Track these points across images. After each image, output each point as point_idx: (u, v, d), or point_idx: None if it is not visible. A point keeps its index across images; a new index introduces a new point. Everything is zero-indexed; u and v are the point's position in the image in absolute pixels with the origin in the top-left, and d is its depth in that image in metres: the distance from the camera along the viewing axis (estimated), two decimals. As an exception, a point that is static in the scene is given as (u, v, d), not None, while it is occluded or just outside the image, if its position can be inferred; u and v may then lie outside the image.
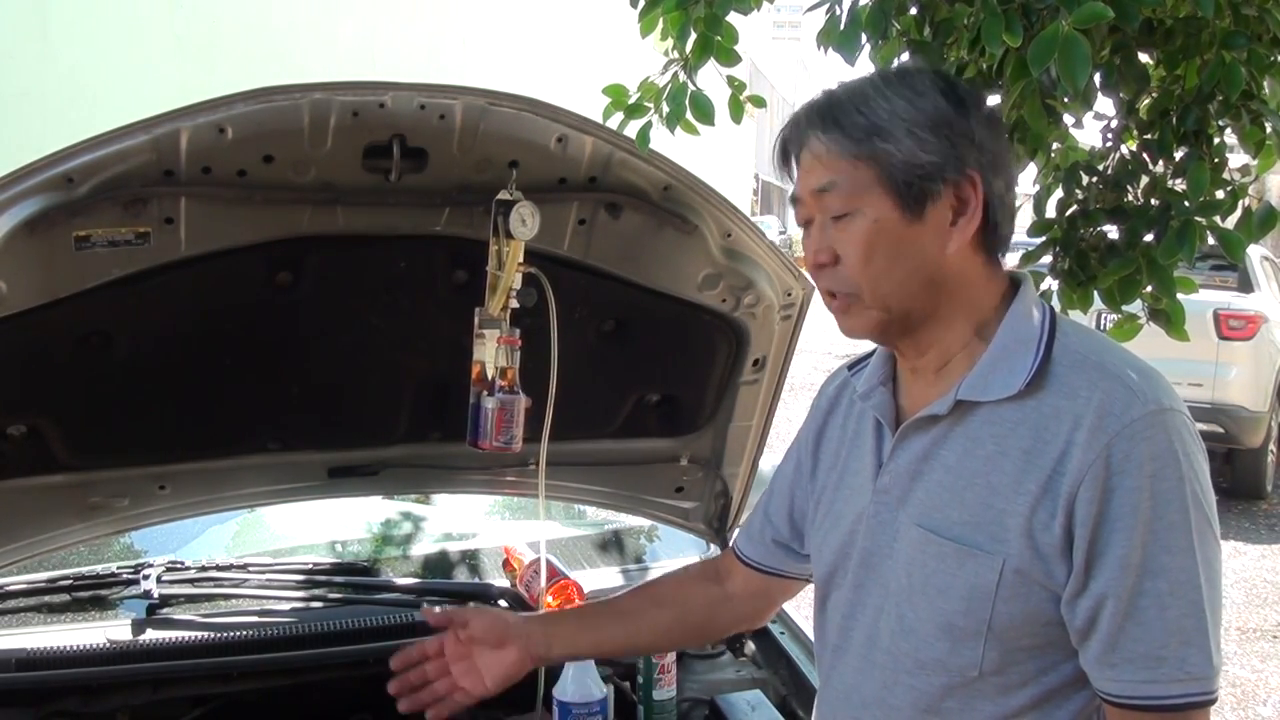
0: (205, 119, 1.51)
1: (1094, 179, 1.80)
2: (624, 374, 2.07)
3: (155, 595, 2.01)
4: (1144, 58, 1.70)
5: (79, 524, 1.92)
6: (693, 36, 1.64)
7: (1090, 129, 1.82)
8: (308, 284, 1.77)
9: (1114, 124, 1.80)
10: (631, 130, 1.70)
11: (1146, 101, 1.76)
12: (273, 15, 9.29)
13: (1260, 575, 5.84)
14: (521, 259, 1.72)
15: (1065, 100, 1.57)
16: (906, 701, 1.19)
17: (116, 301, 1.64)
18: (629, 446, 2.16)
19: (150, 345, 1.75)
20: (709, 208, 1.85)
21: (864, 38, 1.60)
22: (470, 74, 11.10)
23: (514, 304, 1.74)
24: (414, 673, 1.49)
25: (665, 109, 1.69)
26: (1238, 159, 1.79)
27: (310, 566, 2.22)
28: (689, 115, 1.69)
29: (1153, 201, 1.75)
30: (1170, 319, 1.81)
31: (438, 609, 1.53)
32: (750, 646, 2.20)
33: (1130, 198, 1.77)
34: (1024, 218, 1.94)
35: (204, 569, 2.13)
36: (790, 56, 48.84)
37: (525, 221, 1.69)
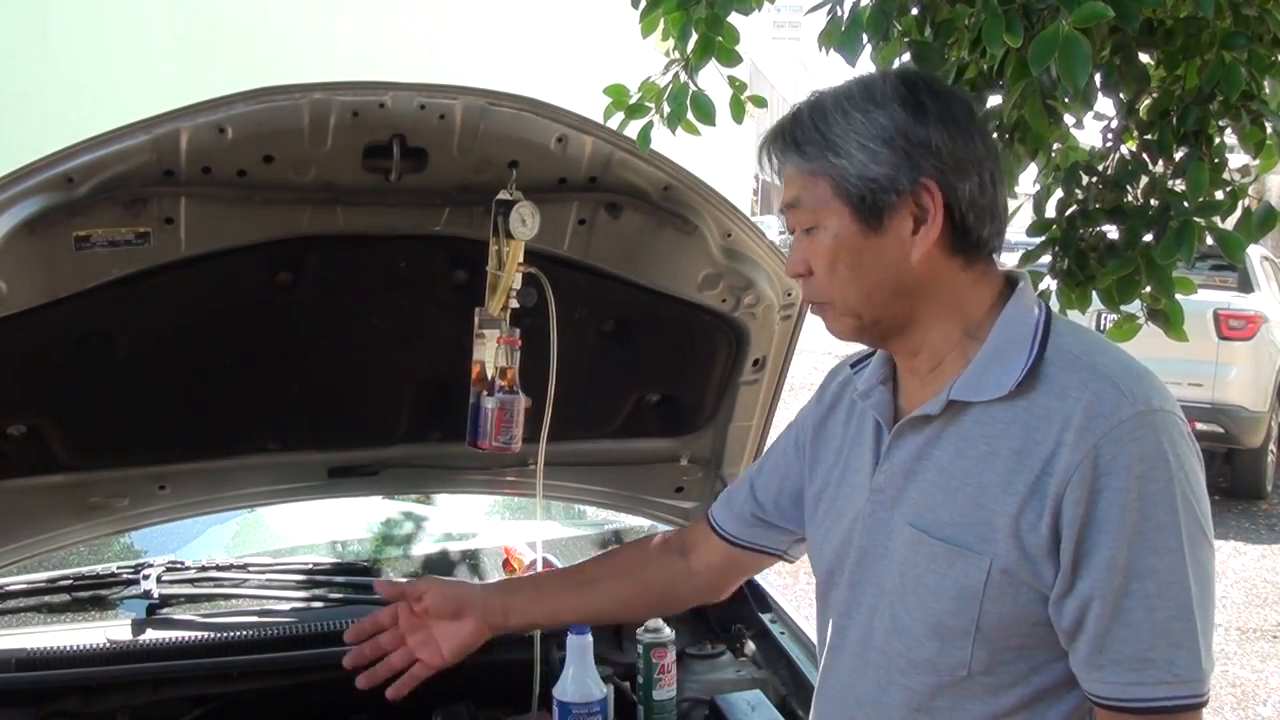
0: (205, 119, 1.51)
1: (1094, 179, 1.80)
2: (624, 374, 2.07)
3: (155, 595, 2.02)
4: (1144, 58, 1.70)
5: (79, 524, 1.92)
6: (694, 37, 1.64)
7: (1090, 129, 1.82)
8: (308, 284, 1.77)
9: (1114, 124, 1.80)
10: (632, 130, 1.71)
11: (1147, 102, 1.77)
12: (272, 15, 9.29)
13: (1260, 575, 5.85)
14: (521, 259, 1.72)
15: (1066, 100, 1.57)
16: (899, 700, 1.19)
17: (116, 301, 1.64)
18: (629, 446, 2.16)
19: (150, 345, 1.75)
20: (709, 208, 1.85)
21: (865, 38, 1.60)
22: (470, 74, 11.10)
23: (514, 304, 1.74)
24: (368, 645, 1.48)
25: (666, 109, 1.69)
26: (1238, 159, 1.79)
27: (310, 566, 2.22)
28: (690, 115, 1.69)
29: (1152, 202, 1.75)
30: (1169, 319, 1.81)
31: (391, 579, 1.52)
32: (750, 646, 2.20)
33: (1130, 198, 1.78)
34: (1024, 218, 1.95)
35: (204, 569, 2.13)
36: (790, 56, 48.88)
37: (525, 221, 1.69)
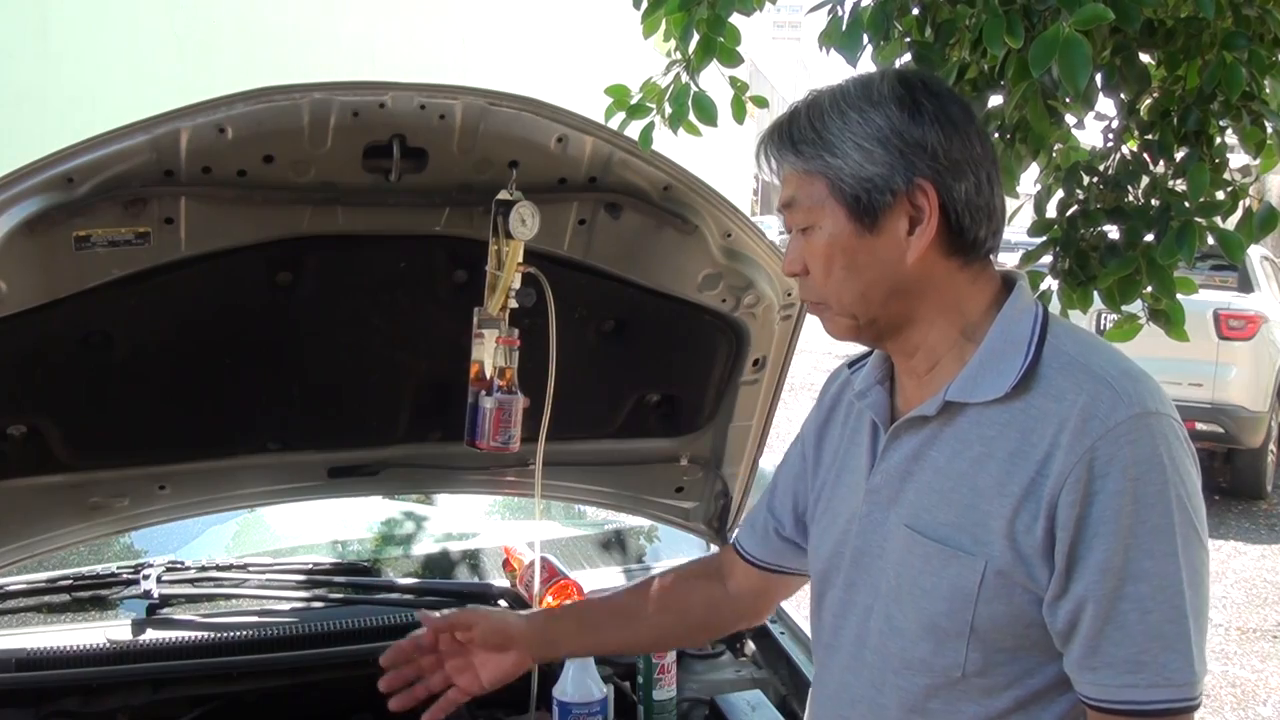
0: (205, 119, 1.51)
1: (1095, 179, 1.80)
2: (624, 374, 2.07)
3: (155, 595, 2.01)
4: (1145, 58, 1.70)
5: (79, 524, 1.91)
6: (695, 38, 1.64)
7: (1091, 129, 1.82)
8: (308, 284, 1.77)
9: (1115, 124, 1.80)
10: (634, 131, 1.70)
11: (1147, 102, 1.77)
12: (272, 15, 9.30)
13: (1260, 575, 5.84)
14: (521, 259, 1.72)
15: (1066, 101, 1.57)
16: (894, 701, 1.19)
17: (116, 301, 1.64)
18: (629, 446, 2.16)
19: (150, 345, 1.74)
20: (709, 208, 1.85)
21: (866, 39, 1.60)
22: (470, 74, 11.10)
23: (513, 304, 1.74)
24: (408, 667, 1.48)
25: (668, 110, 1.69)
26: (1238, 159, 1.79)
27: (310, 566, 2.22)
28: (692, 116, 1.69)
29: (1153, 202, 1.75)
30: (1170, 319, 1.81)
31: (436, 614, 1.52)
32: (750, 646, 2.20)
33: (1131, 198, 1.78)
34: (1025, 218, 1.95)
35: (204, 569, 2.13)
36: (790, 56, 48.87)
37: (525, 221, 1.69)
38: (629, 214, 1.82)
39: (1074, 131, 1.82)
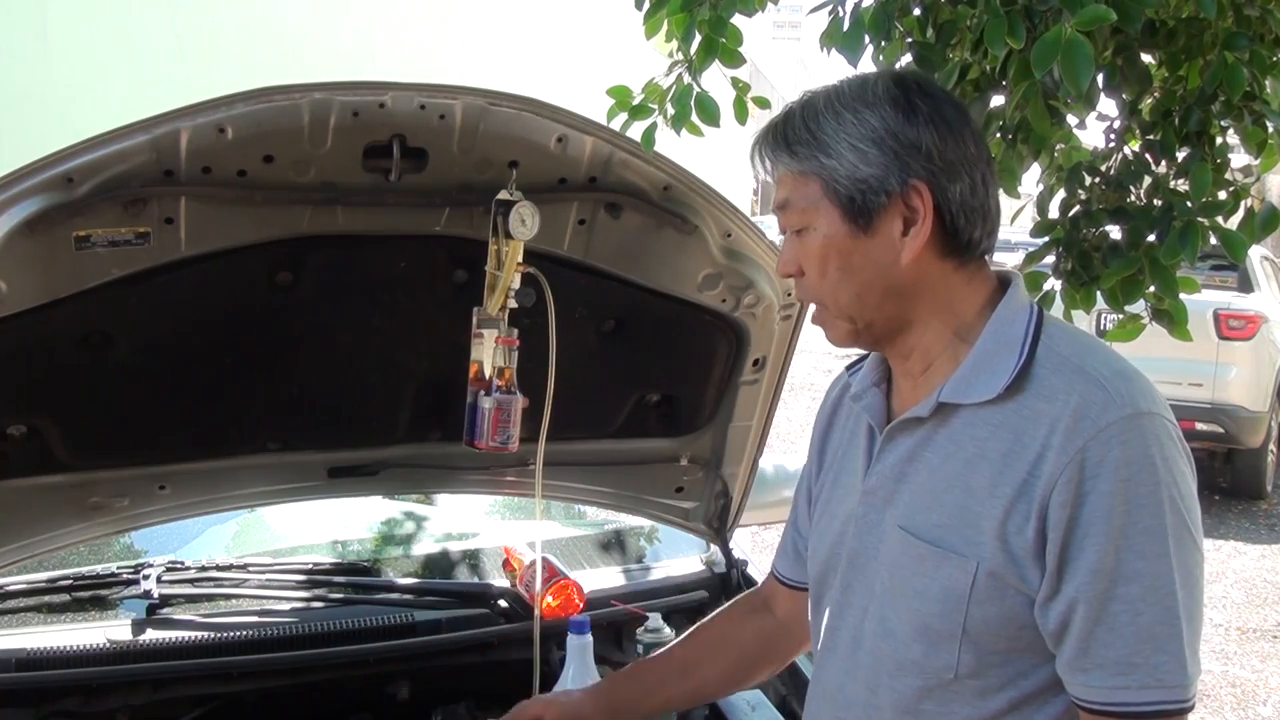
0: (205, 119, 1.51)
1: (1097, 179, 1.81)
2: (624, 374, 2.07)
3: (155, 595, 2.01)
4: (1146, 59, 1.70)
5: (79, 524, 1.91)
6: (697, 39, 1.64)
7: (1093, 130, 1.82)
8: (308, 284, 1.76)
9: (1117, 125, 1.80)
10: (636, 131, 1.70)
11: (1149, 102, 1.77)
12: (272, 16, 9.30)
13: (1260, 575, 5.84)
14: (521, 259, 1.72)
15: (1068, 101, 1.57)
16: (888, 703, 1.19)
17: (116, 301, 1.64)
18: (629, 447, 2.16)
19: (150, 345, 1.74)
20: (709, 208, 1.85)
21: (867, 39, 1.60)
22: (470, 74, 11.10)
23: (512, 304, 1.74)
24: None
25: (670, 110, 1.69)
26: (1240, 159, 1.79)
27: (310, 566, 2.22)
28: (694, 117, 1.69)
29: (1155, 202, 1.75)
30: (1173, 319, 1.82)
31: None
32: (751, 647, 2.19)
33: (1133, 198, 1.78)
34: (1027, 218, 1.95)
35: (204, 569, 2.12)
36: (791, 56, 48.85)
37: (525, 221, 1.69)
38: (629, 214, 1.82)
39: (1076, 132, 1.82)
